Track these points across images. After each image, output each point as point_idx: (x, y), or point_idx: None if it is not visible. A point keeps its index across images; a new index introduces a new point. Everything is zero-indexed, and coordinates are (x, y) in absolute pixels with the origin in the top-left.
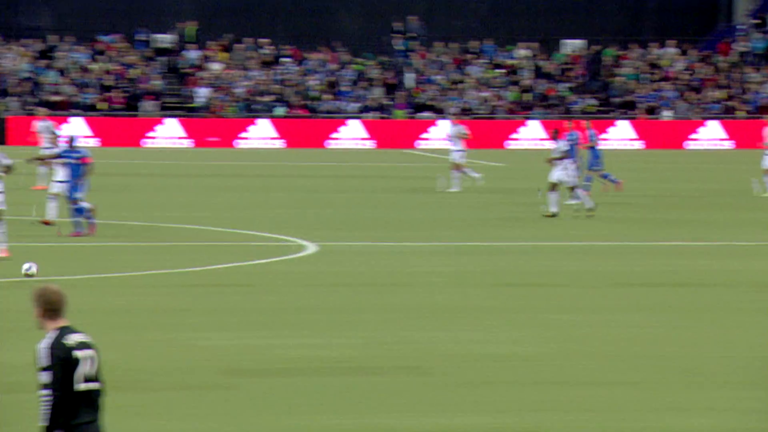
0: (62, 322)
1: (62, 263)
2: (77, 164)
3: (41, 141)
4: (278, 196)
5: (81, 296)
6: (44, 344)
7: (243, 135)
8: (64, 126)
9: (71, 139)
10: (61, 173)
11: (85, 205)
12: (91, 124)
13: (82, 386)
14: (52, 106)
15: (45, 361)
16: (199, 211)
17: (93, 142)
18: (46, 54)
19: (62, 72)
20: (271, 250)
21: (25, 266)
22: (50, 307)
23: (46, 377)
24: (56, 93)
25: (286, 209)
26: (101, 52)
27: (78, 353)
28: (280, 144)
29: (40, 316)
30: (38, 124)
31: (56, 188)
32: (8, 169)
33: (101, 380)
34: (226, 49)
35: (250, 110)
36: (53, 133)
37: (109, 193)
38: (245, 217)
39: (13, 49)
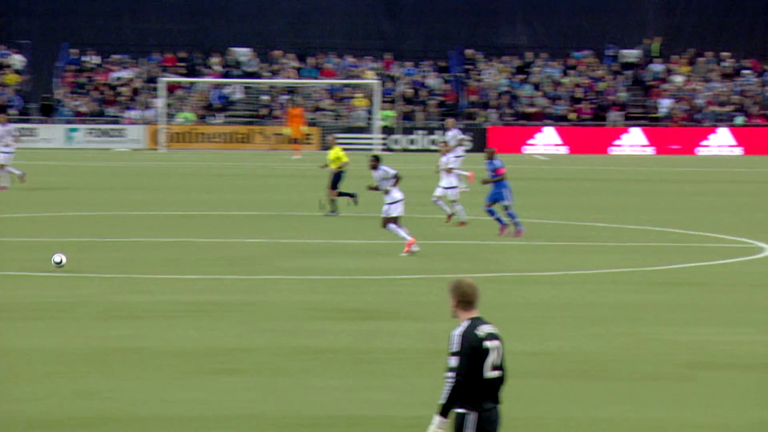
0: (474, 313)
1: (527, 260)
2: (493, 175)
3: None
4: (737, 200)
5: (553, 292)
6: (457, 332)
7: (703, 143)
8: (537, 135)
9: (491, 153)
10: (445, 179)
11: (499, 211)
12: (561, 134)
13: (490, 374)
14: (527, 117)
15: (455, 347)
16: (661, 214)
17: (563, 150)
18: (522, 69)
19: (536, 86)
20: (729, 252)
21: (56, 259)
22: (465, 299)
23: (453, 362)
24: (531, 105)
25: (744, 213)
26: (573, 67)
27: (487, 343)
28: (738, 151)
29: (455, 307)
30: (449, 133)
31: (439, 192)
32: (397, 179)
33: (504, 369)
34: (689, 62)
35: (710, 120)
36: (458, 140)
37: (577, 196)
38: (705, 220)
39: (493, 65)
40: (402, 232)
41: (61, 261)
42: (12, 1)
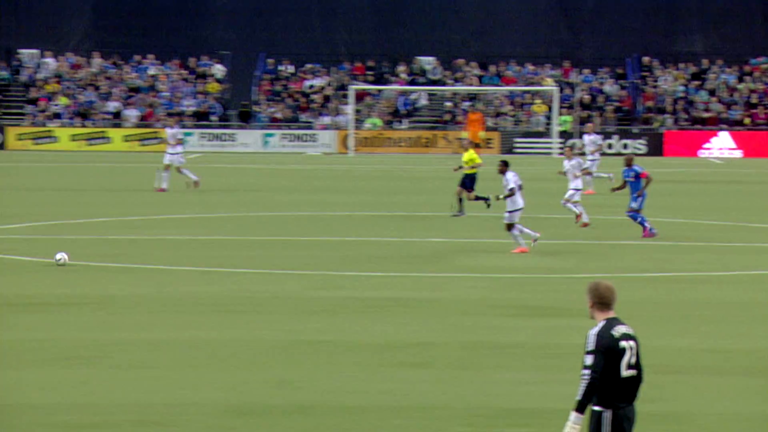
0: (611, 314)
1: (699, 261)
2: (635, 181)
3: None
4: None
5: (725, 291)
6: (593, 331)
7: None
8: (713, 140)
9: (629, 159)
10: (573, 182)
11: (639, 215)
12: (736, 138)
13: (626, 373)
14: (703, 122)
15: (591, 345)
16: None
17: (737, 154)
18: (698, 76)
19: (712, 92)
20: None
21: (58, 257)
22: (601, 300)
23: (589, 360)
24: (706, 110)
25: None
26: (748, 74)
27: (623, 343)
28: None
29: (592, 307)
30: (588, 137)
31: (568, 195)
32: (511, 192)
33: (640, 368)
34: None
35: None
36: (597, 145)
37: (752, 198)
38: None
39: (670, 72)
40: (520, 239)
41: (61, 260)
42: (214, 15)
